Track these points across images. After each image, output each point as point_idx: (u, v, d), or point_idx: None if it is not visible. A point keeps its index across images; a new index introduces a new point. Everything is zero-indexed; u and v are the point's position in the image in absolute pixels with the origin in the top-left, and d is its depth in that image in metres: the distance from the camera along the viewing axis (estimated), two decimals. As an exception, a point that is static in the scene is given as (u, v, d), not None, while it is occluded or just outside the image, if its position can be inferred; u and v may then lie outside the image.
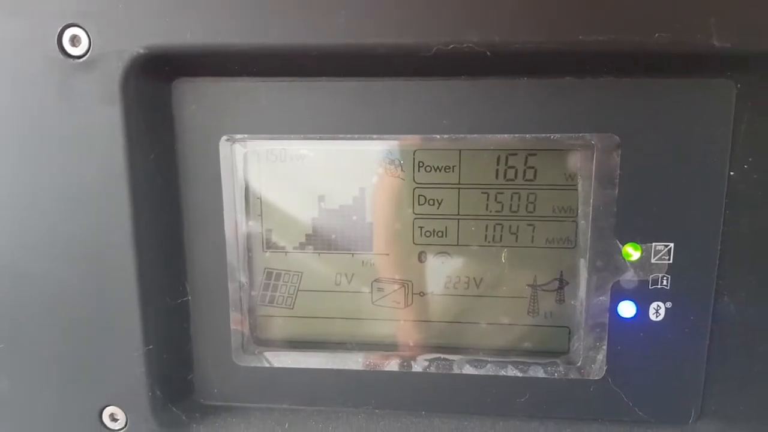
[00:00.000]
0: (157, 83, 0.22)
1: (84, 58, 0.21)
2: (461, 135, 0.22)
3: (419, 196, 0.23)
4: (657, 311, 0.23)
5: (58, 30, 0.21)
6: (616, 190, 0.22)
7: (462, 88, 0.21)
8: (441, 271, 0.24)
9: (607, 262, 0.22)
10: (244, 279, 0.24)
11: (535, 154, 0.22)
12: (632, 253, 0.22)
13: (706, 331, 0.23)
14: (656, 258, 0.22)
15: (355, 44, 0.20)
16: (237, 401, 0.25)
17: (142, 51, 0.21)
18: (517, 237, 0.23)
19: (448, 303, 0.24)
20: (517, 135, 0.22)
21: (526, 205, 0.23)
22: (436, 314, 0.24)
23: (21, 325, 0.24)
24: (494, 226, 0.23)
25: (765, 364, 0.22)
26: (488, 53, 0.20)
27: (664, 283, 0.22)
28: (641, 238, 0.22)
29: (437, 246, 0.23)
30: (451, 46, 0.20)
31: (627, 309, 0.23)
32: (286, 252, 0.24)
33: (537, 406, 0.24)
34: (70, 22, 0.21)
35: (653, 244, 0.22)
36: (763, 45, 0.20)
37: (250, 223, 0.24)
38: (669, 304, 0.22)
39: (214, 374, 0.25)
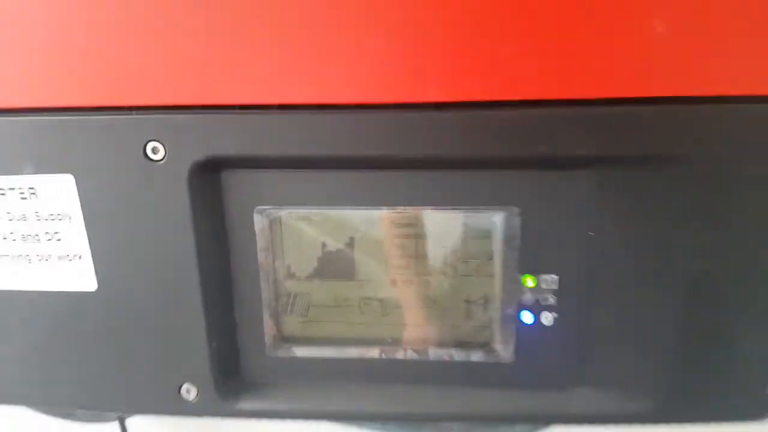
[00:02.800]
0: (212, 175, 0.32)
1: (161, 162, 0.31)
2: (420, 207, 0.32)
3: (393, 243, 0.34)
4: (547, 318, 0.33)
5: (144, 143, 0.31)
6: (518, 242, 0.32)
7: (419, 178, 0.32)
8: (406, 292, 0.34)
9: (514, 287, 0.33)
10: (272, 298, 0.35)
11: (467, 216, 0.33)
12: (530, 281, 0.33)
13: (578, 331, 0.34)
14: (546, 285, 0.33)
15: (352, 156, 0.30)
16: (272, 381, 0.35)
17: (202, 158, 0.31)
18: (460, 268, 0.34)
19: (411, 313, 0.35)
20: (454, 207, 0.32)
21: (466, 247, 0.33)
22: (404, 320, 0.35)
23: (129, 334, 0.34)
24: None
25: (620, 354, 0.33)
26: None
27: (552, 301, 0.33)
28: (535, 271, 0.33)
29: (403, 275, 0.34)
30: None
31: (527, 317, 0.33)
32: (300, 280, 0.35)
33: (471, 380, 0.34)
34: (152, 138, 0.31)
35: (542, 275, 0.33)
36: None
37: (276, 261, 0.34)
38: (555, 314, 0.33)
39: (254, 361, 0.35)
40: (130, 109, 0.30)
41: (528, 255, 0.32)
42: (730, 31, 0.27)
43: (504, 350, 0.33)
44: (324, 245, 0.33)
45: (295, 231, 0.33)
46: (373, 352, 0.34)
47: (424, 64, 0.28)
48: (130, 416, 0.46)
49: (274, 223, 0.33)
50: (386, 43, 0.28)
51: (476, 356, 0.34)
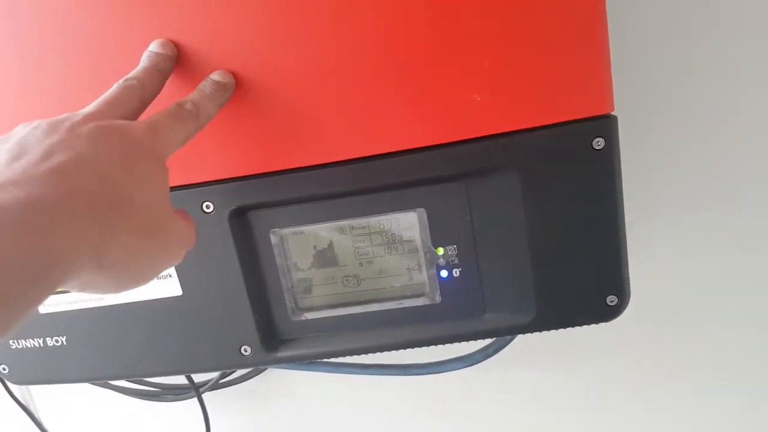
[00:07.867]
0: (242, 215, 0.53)
1: (212, 214, 0.52)
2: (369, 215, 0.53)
3: (356, 240, 0.54)
4: (456, 272, 0.54)
5: (201, 203, 0.52)
6: (429, 230, 0.52)
7: (366, 199, 0.52)
8: (370, 269, 0.55)
9: (432, 256, 0.53)
10: (288, 284, 0.55)
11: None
12: (440, 251, 0.53)
13: (479, 277, 0.54)
14: (450, 252, 0.53)
15: (322, 193, 0.51)
16: (295, 336, 0.55)
17: (235, 207, 0.52)
18: (398, 250, 0.54)
19: (375, 282, 0.55)
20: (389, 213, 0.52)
21: (399, 236, 0.54)
22: (371, 287, 0.55)
23: (203, 319, 0.56)
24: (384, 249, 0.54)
25: (506, 288, 0.53)
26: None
27: (456, 261, 0.53)
28: (442, 244, 0.53)
29: (366, 258, 0.55)
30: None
31: (444, 273, 0.53)
32: (303, 270, 0.55)
33: (417, 318, 0.54)
34: (206, 199, 0.52)
35: (448, 246, 0.53)
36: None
37: (287, 261, 0.55)
38: (460, 269, 0.53)
39: (283, 326, 0.56)
40: (193, 185, 0.51)
41: (436, 235, 0.52)
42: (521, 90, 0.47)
43: (434, 295, 0.53)
44: (315, 247, 0.54)
45: (296, 240, 0.54)
46: (355, 309, 0.55)
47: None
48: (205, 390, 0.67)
49: (283, 238, 0.54)
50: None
51: (418, 302, 0.54)
